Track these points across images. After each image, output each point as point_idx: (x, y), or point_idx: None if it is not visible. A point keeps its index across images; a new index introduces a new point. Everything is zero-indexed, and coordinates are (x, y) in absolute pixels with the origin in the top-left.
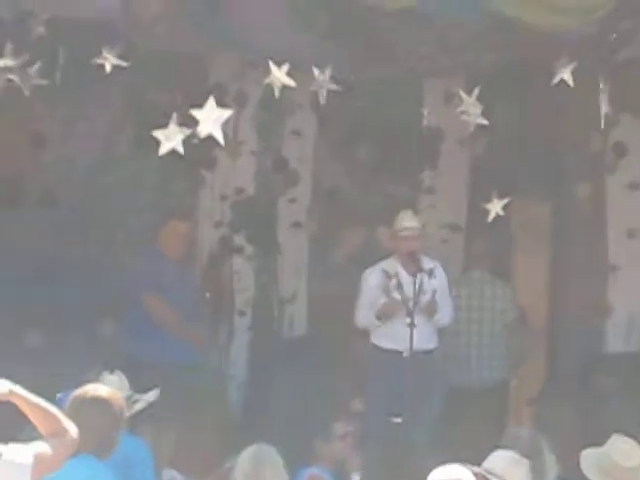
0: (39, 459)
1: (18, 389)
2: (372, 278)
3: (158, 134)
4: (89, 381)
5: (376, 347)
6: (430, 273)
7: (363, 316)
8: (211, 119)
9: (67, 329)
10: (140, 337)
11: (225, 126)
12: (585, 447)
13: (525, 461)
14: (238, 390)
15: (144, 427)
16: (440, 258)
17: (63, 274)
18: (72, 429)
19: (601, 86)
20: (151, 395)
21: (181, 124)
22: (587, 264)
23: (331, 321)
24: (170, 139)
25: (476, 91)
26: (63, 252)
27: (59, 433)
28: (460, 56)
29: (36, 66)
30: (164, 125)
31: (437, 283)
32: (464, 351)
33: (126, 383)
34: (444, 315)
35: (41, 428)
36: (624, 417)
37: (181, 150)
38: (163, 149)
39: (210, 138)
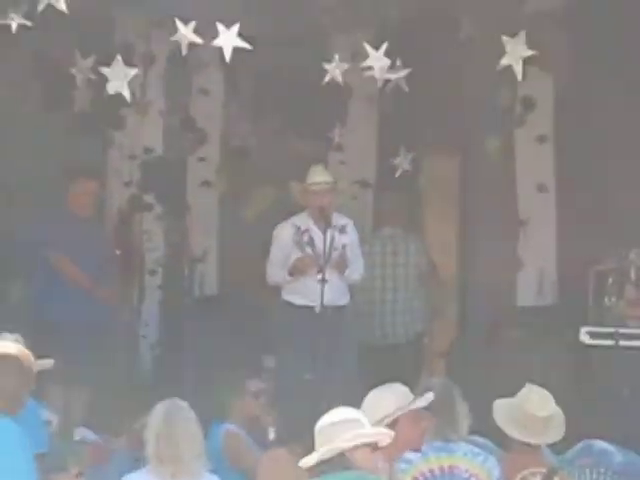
0: None
1: None
2: (284, 233)
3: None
4: None
5: (288, 303)
6: (341, 229)
7: (274, 273)
8: (118, 77)
9: None
10: (49, 298)
11: (133, 85)
12: (497, 398)
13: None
14: (150, 349)
15: (54, 388)
16: (350, 215)
17: None
18: None
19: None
20: (45, 363)
21: (89, 83)
22: (497, 219)
23: (242, 280)
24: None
25: (384, 46)
26: None
27: None
28: (366, 12)
29: None
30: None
31: (348, 239)
32: (379, 307)
33: (22, 345)
34: (354, 270)
35: None
36: (535, 369)
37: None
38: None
39: (118, 97)
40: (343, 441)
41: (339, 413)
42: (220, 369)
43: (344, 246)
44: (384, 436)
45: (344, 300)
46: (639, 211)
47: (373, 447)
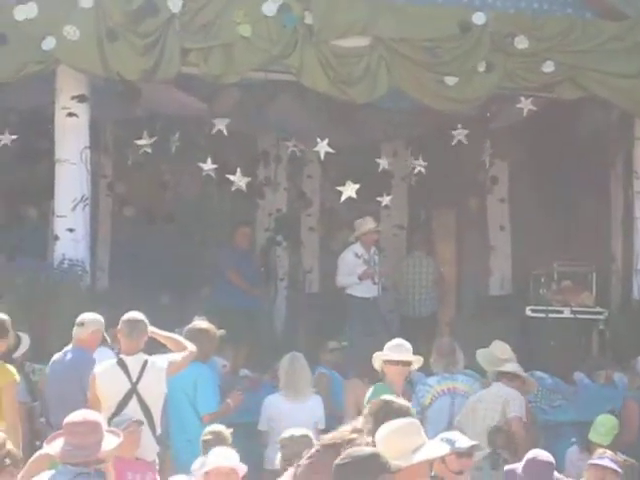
0: (170, 364)
1: (155, 329)
2: (348, 256)
3: (231, 177)
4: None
5: (352, 296)
6: (375, 252)
7: (343, 279)
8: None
9: (182, 292)
10: (225, 295)
11: (269, 174)
12: (479, 348)
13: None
14: (281, 324)
15: (228, 345)
16: (391, 244)
17: (180, 260)
18: (191, 347)
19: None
20: (221, 332)
21: (244, 174)
22: (477, 246)
23: (331, 283)
24: (238, 181)
25: (410, 149)
26: (180, 248)
27: (183, 349)
28: (400, 129)
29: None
30: (234, 173)
31: (378, 259)
32: (412, 297)
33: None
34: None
35: (172, 348)
36: (501, 332)
37: (244, 187)
38: (234, 186)
39: (261, 182)
40: (378, 359)
41: (393, 342)
42: (318, 333)
43: (379, 262)
44: (406, 357)
45: (380, 292)
46: (558, 241)
47: (403, 364)
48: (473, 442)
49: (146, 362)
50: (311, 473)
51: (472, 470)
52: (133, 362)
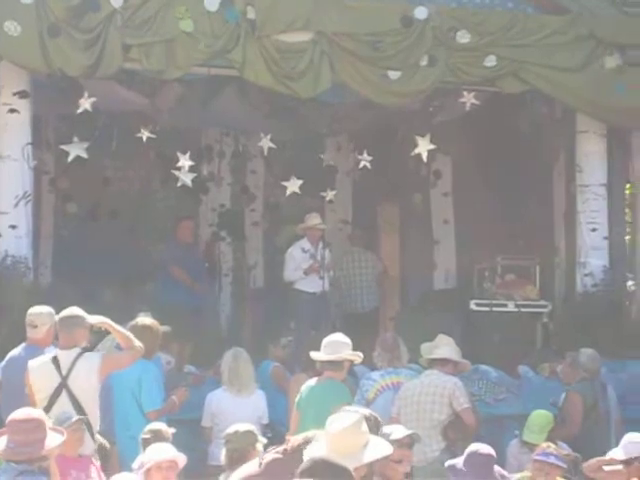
0: (107, 358)
1: (108, 320)
2: (295, 251)
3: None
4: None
5: (298, 290)
6: (322, 247)
7: (291, 274)
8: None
9: (126, 288)
10: (168, 290)
11: (213, 168)
12: (422, 342)
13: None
14: (225, 319)
15: (172, 342)
16: (335, 239)
17: (123, 256)
18: (138, 344)
19: (422, 138)
20: (165, 328)
21: (190, 169)
22: (421, 240)
23: (275, 278)
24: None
25: (353, 144)
26: (123, 244)
27: (131, 346)
28: (344, 124)
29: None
30: (179, 169)
31: (325, 253)
32: (353, 292)
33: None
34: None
35: (121, 343)
36: (446, 326)
37: (189, 183)
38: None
39: (205, 176)
40: (333, 355)
41: (336, 336)
42: (265, 329)
43: (327, 257)
44: (357, 357)
45: (327, 287)
46: (501, 234)
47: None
48: (409, 431)
49: (78, 356)
50: (280, 466)
51: (435, 464)
52: (65, 356)
